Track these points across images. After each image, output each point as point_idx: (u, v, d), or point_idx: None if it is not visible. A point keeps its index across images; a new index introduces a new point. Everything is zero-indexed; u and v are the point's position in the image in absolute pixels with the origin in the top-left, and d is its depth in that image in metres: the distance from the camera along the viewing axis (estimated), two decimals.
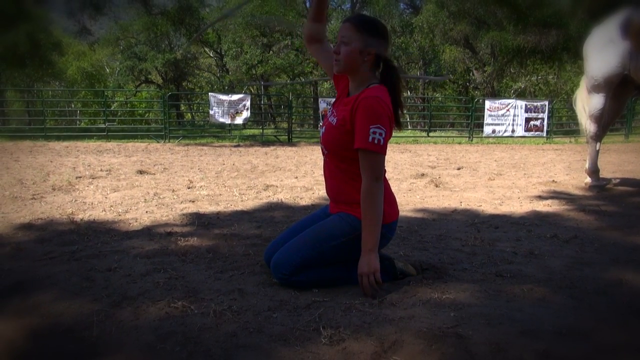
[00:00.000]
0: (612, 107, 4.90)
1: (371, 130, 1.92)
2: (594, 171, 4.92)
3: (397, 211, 2.21)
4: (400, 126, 2.11)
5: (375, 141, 1.92)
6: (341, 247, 2.06)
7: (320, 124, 14.47)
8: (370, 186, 1.96)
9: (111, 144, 12.19)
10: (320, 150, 2.22)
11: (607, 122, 4.97)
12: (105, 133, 14.01)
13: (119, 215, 3.59)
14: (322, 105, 14.15)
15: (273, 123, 25.24)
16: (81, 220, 3.42)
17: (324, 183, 2.29)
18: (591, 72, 4.74)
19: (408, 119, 19.55)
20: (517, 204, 4.13)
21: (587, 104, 4.93)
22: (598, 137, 4.93)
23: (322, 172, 2.32)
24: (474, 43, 20.98)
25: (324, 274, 2.09)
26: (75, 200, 4.16)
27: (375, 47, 2.02)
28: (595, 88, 4.75)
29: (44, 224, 3.30)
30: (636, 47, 4.25)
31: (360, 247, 2.01)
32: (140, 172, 6.21)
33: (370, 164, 1.96)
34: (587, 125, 4.95)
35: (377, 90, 1.99)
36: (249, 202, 4.21)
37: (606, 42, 4.57)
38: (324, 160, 2.22)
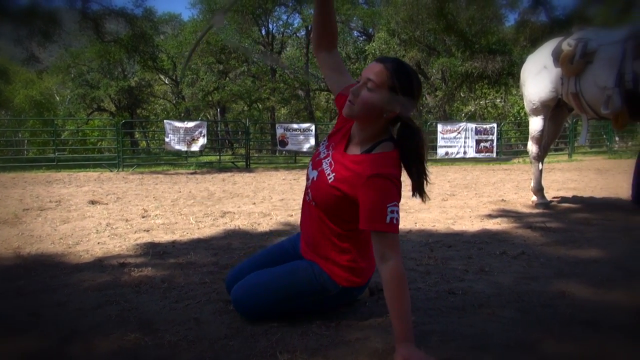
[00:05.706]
0: (551, 129, 5.22)
1: (389, 210, 1.70)
2: (538, 190, 5.18)
3: (374, 267, 1.98)
4: (423, 197, 1.88)
5: (394, 221, 1.70)
6: (306, 304, 1.98)
7: (278, 147, 14.52)
8: (400, 269, 1.68)
9: (61, 174, 11.75)
10: (305, 184, 1.98)
11: (546, 143, 5.27)
12: (54, 163, 13.53)
13: (69, 247, 3.47)
14: (280, 131, 14.26)
15: (230, 149, 25.11)
16: (28, 254, 3.28)
17: (300, 221, 2.10)
18: (529, 97, 5.05)
19: None
20: (469, 223, 4.28)
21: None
22: (540, 157, 5.22)
23: (299, 211, 2.04)
24: (425, 69, 21.80)
25: (286, 312, 1.99)
26: (22, 234, 3.99)
27: (400, 108, 1.75)
28: (533, 111, 5.06)
29: None
30: (566, 73, 4.58)
31: (325, 303, 1.96)
32: (92, 202, 6.03)
33: (393, 244, 1.71)
34: (529, 146, 5.24)
35: (387, 160, 1.77)
36: (205, 229, 4.16)
37: (541, 69, 4.90)
38: (305, 201, 2.01)
